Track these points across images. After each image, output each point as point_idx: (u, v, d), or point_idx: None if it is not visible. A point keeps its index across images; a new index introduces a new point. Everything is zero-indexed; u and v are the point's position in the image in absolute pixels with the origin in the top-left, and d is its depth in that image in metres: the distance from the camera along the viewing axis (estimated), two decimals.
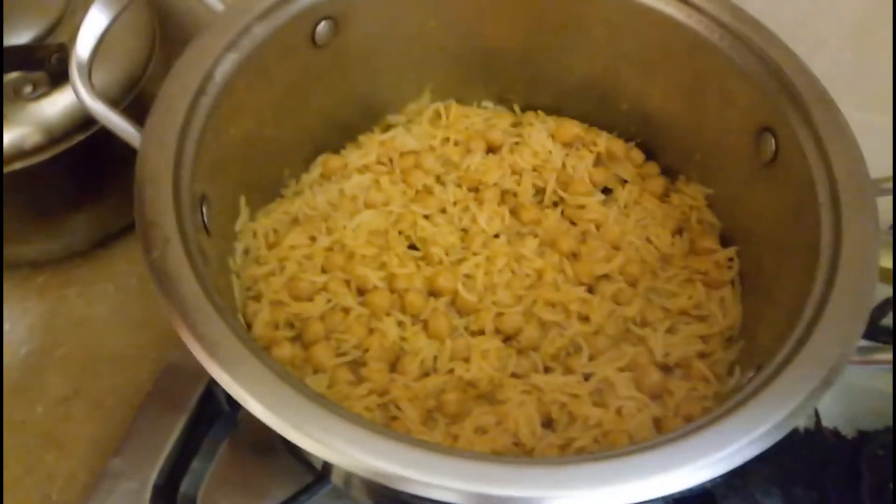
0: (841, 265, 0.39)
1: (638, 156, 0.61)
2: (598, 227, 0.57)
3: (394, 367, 0.50)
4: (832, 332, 0.37)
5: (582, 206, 0.58)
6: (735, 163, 0.53)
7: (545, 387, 0.48)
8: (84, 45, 0.42)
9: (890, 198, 0.45)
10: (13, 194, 0.64)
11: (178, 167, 0.40)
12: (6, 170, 0.61)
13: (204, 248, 0.40)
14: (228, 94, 0.46)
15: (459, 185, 0.59)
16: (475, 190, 0.59)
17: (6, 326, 0.70)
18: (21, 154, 0.61)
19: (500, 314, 0.51)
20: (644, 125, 0.60)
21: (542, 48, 0.59)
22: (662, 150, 0.60)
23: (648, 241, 0.56)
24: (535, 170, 0.60)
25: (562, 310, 0.52)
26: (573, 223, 0.58)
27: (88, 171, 0.67)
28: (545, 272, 0.54)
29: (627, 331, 0.52)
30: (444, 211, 0.57)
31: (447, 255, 0.54)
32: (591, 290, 0.54)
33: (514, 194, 0.59)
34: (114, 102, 0.63)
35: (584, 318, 0.52)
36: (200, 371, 0.59)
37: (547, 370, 0.50)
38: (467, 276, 0.53)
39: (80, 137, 0.63)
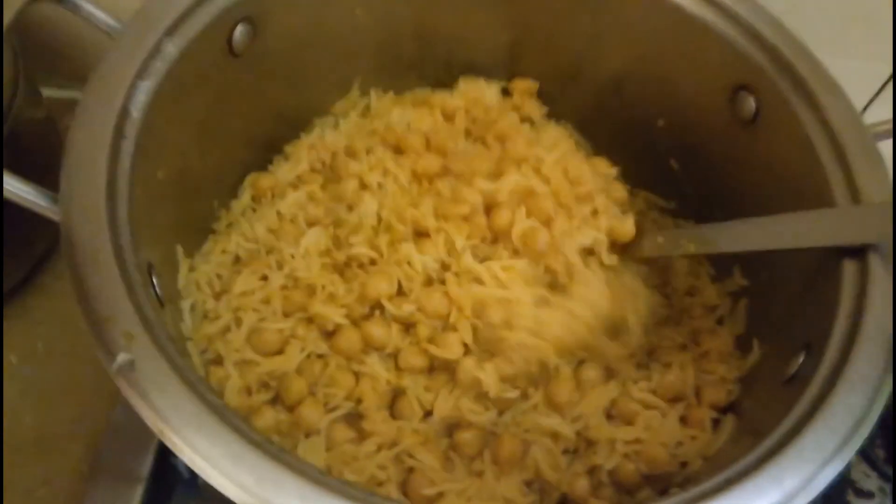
0: None
1: None
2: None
3: (391, 412, 0.44)
4: (883, 304, 0.35)
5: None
6: (710, 126, 0.50)
7: (550, 426, 0.44)
8: None
9: None
10: None
11: (115, 239, 0.32)
12: None
13: (166, 326, 0.32)
14: (150, 131, 0.37)
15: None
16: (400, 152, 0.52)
17: None
18: None
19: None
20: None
21: (479, 24, 0.54)
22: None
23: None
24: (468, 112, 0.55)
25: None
26: None
27: None
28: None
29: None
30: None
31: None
32: None
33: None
34: None
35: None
36: (148, 437, 0.53)
37: None
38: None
39: None
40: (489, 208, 0.48)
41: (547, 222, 0.47)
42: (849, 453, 0.31)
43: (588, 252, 0.48)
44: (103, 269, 0.30)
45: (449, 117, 0.54)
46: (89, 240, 0.31)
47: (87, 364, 0.61)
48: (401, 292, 0.46)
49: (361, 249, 0.46)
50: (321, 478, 0.28)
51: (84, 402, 0.59)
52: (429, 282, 0.46)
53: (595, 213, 0.49)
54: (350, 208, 0.49)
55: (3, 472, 0.55)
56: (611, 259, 0.48)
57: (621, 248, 0.50)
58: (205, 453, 0.27)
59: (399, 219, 0.47)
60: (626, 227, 0.49)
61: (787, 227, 0.41)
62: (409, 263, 0.45)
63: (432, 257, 0.46)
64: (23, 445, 0.58)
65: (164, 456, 0.51)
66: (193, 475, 0.54)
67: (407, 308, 0.44)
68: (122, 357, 0.28)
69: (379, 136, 0.52)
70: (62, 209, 0.32)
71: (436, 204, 0.48)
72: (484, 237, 0.47)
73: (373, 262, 0.47)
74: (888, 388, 0.33)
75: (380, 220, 0.48)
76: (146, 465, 0.50)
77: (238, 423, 0.29)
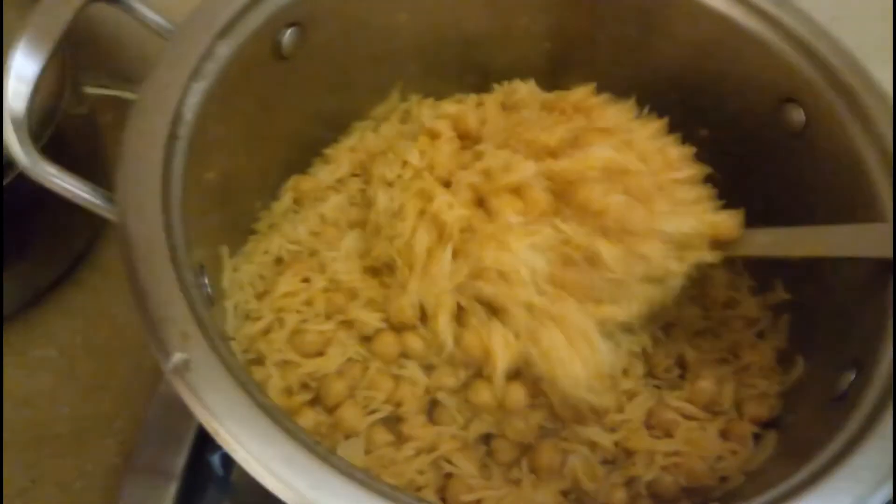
0: None
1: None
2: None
3: (430, 416, 0.44)
4: None
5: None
6: (756, 137, 0.49)
7: (589, 436, 0.43)
8: (17, 97, 0.33)
9: None
10: None
11: (170, 239, 0.32)
12: None
13: (217, 326, 0.33)
14: (202, 133, 0.38)
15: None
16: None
17: None
18: None
19: None
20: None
21: (521, 31, 0.54)
22: None
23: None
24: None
25: None
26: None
27: (6, 225, 0.57)
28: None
29: None
30: None
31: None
32: None
33: None
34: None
35: None
36: (183, 433, 0.53)
37: None
38: None
39: None
40: (566, 185, 0.42)
41: (645, 202, 0.41)
42: None
43: (683, 247, 0.42)
44: (159, 269, 0.31)
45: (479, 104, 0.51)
46: (145, 240, 0.31)
47: (125, 358, 0.62)
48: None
49: (381, 252, 0.45)
50: (371, 482, 0.28)
51: (121, 396, 0.60)
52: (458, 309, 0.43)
53: (696, 201, 0.44)
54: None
55: (2, 472, 0.56)
56: (714, 256, 0.43)
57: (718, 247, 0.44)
58: (258, 454, 0.27)
59: (404, 216, 0.44)
60: (732, 222, 0.43)
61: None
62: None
63: (447, 280, 0.42)
64: (59, 438, 0.58)
65: (199, 452, 0.51)
66: (227, 472, 0.55)
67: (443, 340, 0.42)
68: (177, 357, 0.28)
69: (408, 134, 0.52)
70: (119, 210, 0.32)
71: (478, 182, 0.43)
72: (546, 211, 0.42)
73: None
74: None
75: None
76: (180, 462, 0.50)
77: (289, 424, 0.29)
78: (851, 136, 0.42)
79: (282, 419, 0.28)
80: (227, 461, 0.55)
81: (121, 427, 0.59)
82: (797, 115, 0.46)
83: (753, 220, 0.50)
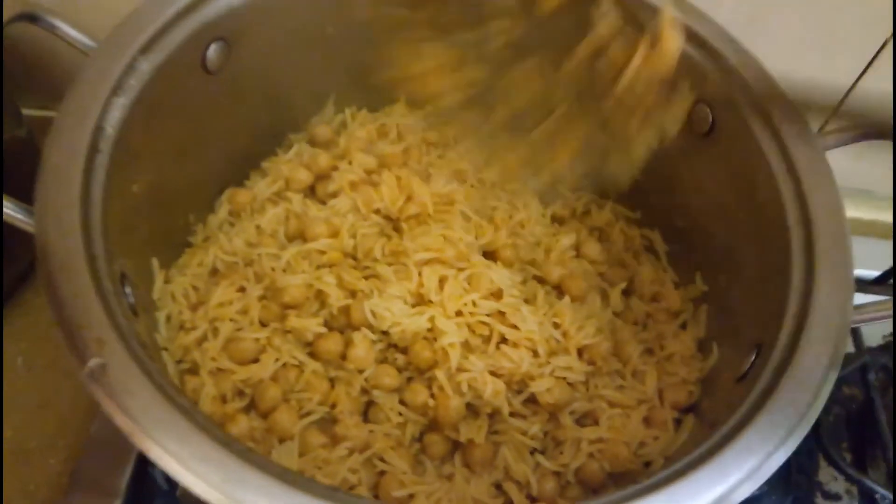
0: (817, 235, 0.39)
1: None
2: None
3: (365, 415, 0.45)
4: (829, 304, 0.36)
5: None
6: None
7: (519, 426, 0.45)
8: None
9: None
10: None
11: (89, 248, 0.33)
12: None
13: (139, 334, 0.33)
14: (125, 147, 0.39)
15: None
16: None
17: None
18: None
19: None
20: None
21: None
22: None
23: None
24: None
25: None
26: None
27: None
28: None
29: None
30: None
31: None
32: None
33: None
34: None
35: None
36: (127, 450, 0.53)
37: None
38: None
39: None
40: None
41: None
42: (792, 445, 0.32)
43: None
44: (76, 277, 0.31)
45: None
46: (63, 249, 0.32)
47: (68, 379, 0.62)
48: None
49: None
50: (286, 475, 0.29)
51: (64, 415, 0.60)
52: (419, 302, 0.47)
53: None
54: None
55: (2, 481, 0.55)
56: None
57: None
58: (174, 453, 0.28)
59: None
60: None
61: None
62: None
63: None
64: (2, 458, 0.57)
65: (143, 469, 0.52)
66: (172, 487, 0.55)
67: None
68: (93, 361, 0.29)
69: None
70: (37, 219, 0.33)
71: None
72: None
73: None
74: (831, 384, 0.34)
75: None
76: (124, 478, 0.50)
77: (206, 423, 0.30)
78: (756, 135, 0.45)
79: (199, 418, 0.29)
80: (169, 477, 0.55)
81: (65, 446, 0.58)
82: (705, 116, 0.48)
83: (672, 216, 0.52)
